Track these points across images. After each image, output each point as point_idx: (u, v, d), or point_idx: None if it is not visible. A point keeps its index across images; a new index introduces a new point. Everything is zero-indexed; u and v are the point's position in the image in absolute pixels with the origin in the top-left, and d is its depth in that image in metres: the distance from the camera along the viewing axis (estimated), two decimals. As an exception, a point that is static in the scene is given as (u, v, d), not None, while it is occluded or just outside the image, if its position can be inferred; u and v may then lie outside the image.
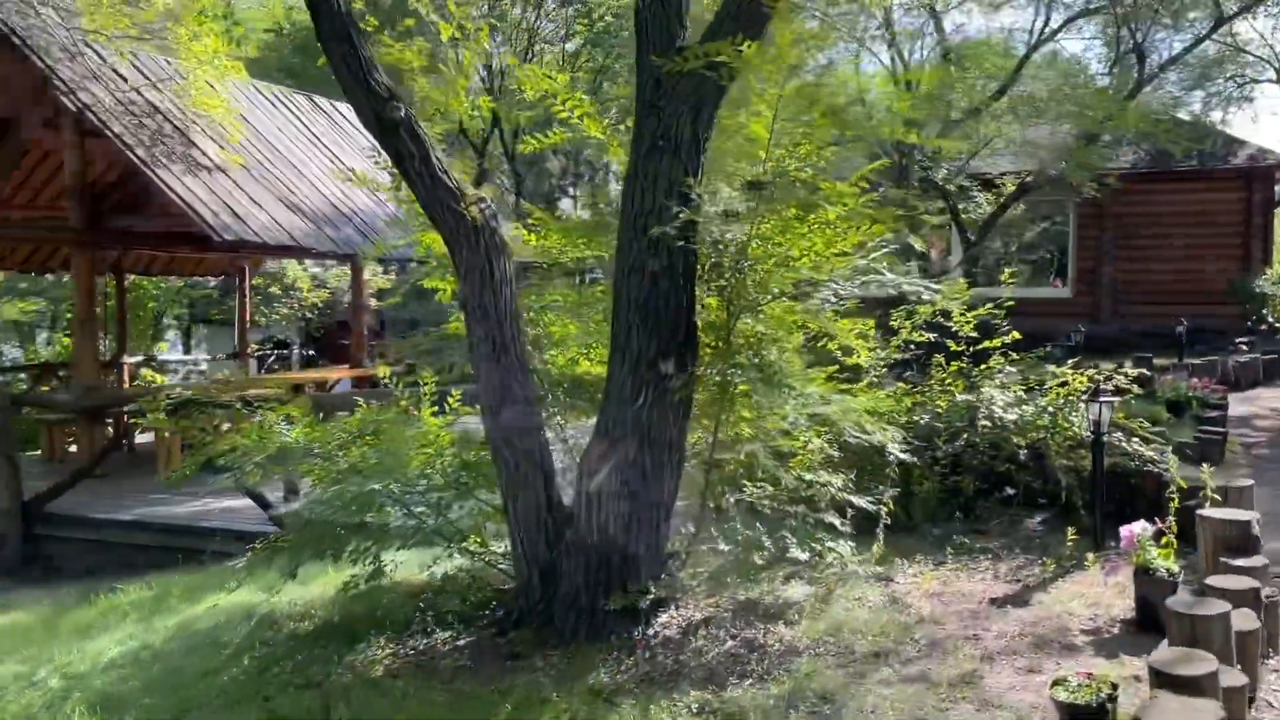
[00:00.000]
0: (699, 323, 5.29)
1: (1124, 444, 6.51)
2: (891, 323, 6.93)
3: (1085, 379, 6.78)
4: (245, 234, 10.14)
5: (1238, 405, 12.73)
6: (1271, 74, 20.74)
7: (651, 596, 4.81)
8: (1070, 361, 12.91)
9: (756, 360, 5.01)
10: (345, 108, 16.54)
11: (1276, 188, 19.56)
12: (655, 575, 5.00)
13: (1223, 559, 5.07)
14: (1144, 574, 4.93)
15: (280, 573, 5.16)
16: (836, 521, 5.19)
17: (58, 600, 8.04)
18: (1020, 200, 16.87)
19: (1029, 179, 16.10)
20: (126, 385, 13.71)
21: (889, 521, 5.93)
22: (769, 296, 5.08)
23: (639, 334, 5.09)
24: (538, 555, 5.02)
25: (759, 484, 5.62)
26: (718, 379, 4.91)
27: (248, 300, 15.46)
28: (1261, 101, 48.02)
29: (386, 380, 7.18)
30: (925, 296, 5.29)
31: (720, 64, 4.84)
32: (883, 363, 6.87)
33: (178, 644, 5.58)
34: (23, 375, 14.55)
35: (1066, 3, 16.94)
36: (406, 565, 5.68)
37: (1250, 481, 5.91)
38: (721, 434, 5.44)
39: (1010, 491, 6.83)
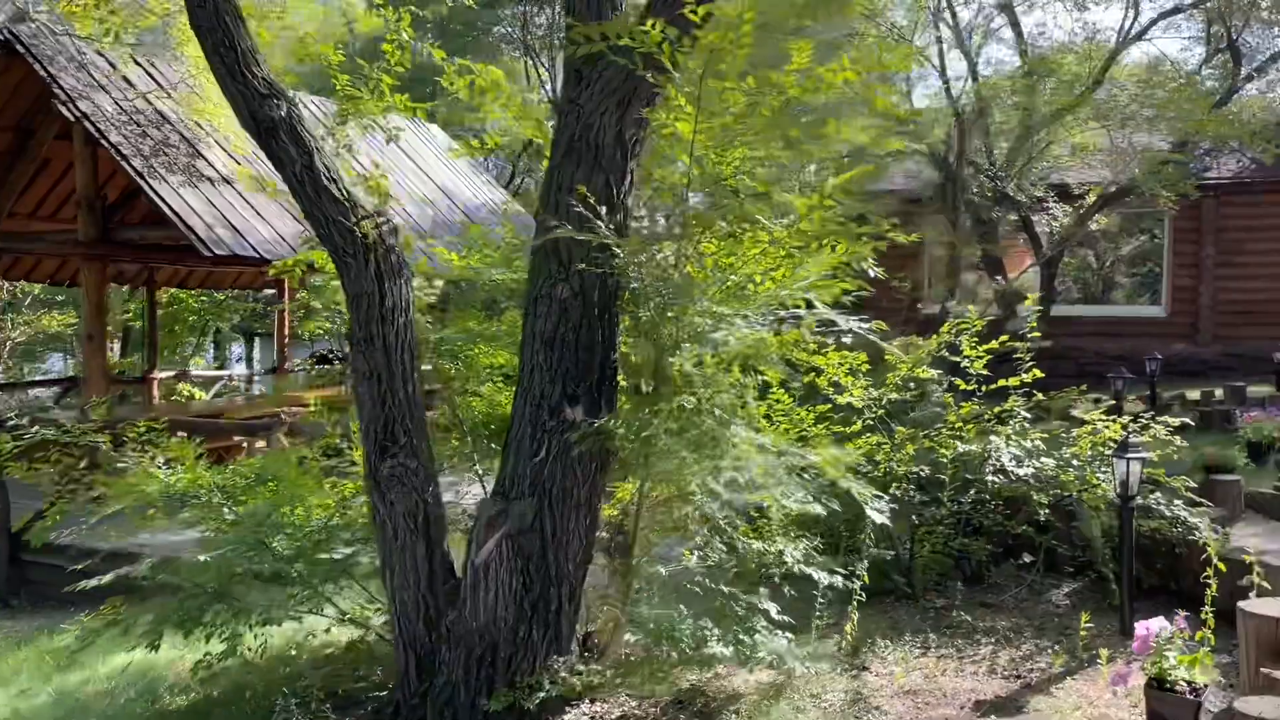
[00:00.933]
0: (622, 361, 4.46)
1: (1162, 507, 5.39)
2: (886, 356, 5.96)
3: (1119, 427, 5.67)
4: (240, 248, 9.66)
5: (1342, 444, 11.20)
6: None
7: (544, 694, 3.98)
8: (1134, 395, 11.66)
9: (669, 409, 4.13)
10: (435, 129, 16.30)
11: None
12: (556, 666, 4.17)
13: (1264, 669, 3.99)
14: (1159, 687, 3.88)
15: (144, 640, 4.51)
16: (771, 607, 4.27)
17: (15, 635, 7.66)
18: (1101, 213, 15.43)
19: (1112, 189, 14.67)
20: (156, 400, 13.52)
21: (862, 596, 4.95)
22: (689, 332, 4.20)
23: (542, 374, 4.28)
24: (415, 639, 4.23)
25: (711, 550, 4.75)
26: (629, 430, 4.06)
27: (286, 313, 15.14)
28: None
29: (315, 411, 6.58)
30: (845, 339, 4.32)
31: (647, 54, 4.03)
32: (878, 403, 5.89)
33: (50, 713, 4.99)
34: (52, 389, 14.52)
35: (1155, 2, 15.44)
36: (297, 631, 4.97)
37: (1317, 562, 4.76)
38: (658, 492, 4.60)
39: (1028, 559, 5.78)
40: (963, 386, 5.94)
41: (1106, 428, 5.74)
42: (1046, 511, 5.64)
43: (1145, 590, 5.60)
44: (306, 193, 4.49)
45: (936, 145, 14.90)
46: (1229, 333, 17.85)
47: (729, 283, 4.62)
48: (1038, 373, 5.86)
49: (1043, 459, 5.68)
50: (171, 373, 15.07)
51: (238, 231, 9.93)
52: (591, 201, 4.27)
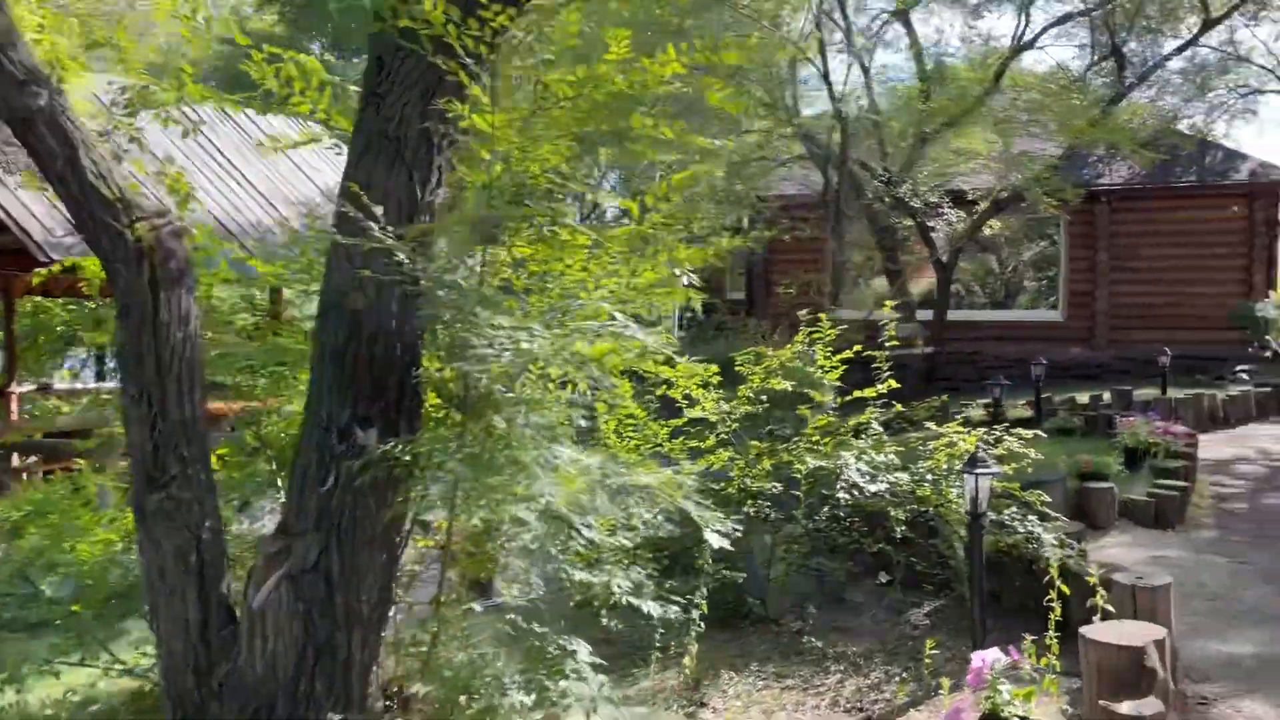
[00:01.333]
0: (430, 379, 4.05)
1: (1016, 523, 5.17)
2: (737, 368, 5.66)
3: (974, 440, 5.44)
4: (87, 252, 9.00)
5: (1222, 446, 11.29)
6: (1276, 84, 19.20)
7: (322, 755, 3.55)
8: (1025, 400, 11.62)
9: (476, 430, 3.74)
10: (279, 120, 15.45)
11: (1282, 205, 18.01)
12: (345, 721, 3.73)
13: (1103, 701, 3.75)
14: (992, 725, 3.62)
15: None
16: (583, 648, 3.89)
17: None
18: (996, 218, 15.51)
19: (1003, 195, 14.72)
20: (15, 417, 12.64)
21: (700, 626, 4.62)
22: (497, 345, 3.81)
23: (332, 393, 3.84)
24: (184, 694, 3.76)
25: (528, 585, 4.36)
26: (421, 456, 3.65)
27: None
28: (1266, 113, 45.79)
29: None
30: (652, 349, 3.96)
31: (437, 38, 3.65)
32: (730, 416, 5.58)
33: None
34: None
35: (1047, 9, 15.57)
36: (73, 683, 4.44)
37: (1168, 579, 4.56)
38: (464, 522, 4.19)
39: (884, 578, 5.52)
40: (819, 398, 5.66)
41: (962, 440, 5.51)
42: (904, 527, 5.38)
43: (1006, 609, 5.37)
44: (71, 192, 3.97)
45: (832, 150, 14.77)
46: (1123, 336, 18.13)
47: (552, 292, 4.27)
48: (893, 383, 5.61)
49: (897, 474, 5.42)
50: (32, 386, 14.17)
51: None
52: (394, 201, 3.88)
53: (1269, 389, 13.11)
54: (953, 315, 19.51)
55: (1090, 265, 18.35)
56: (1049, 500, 5.31)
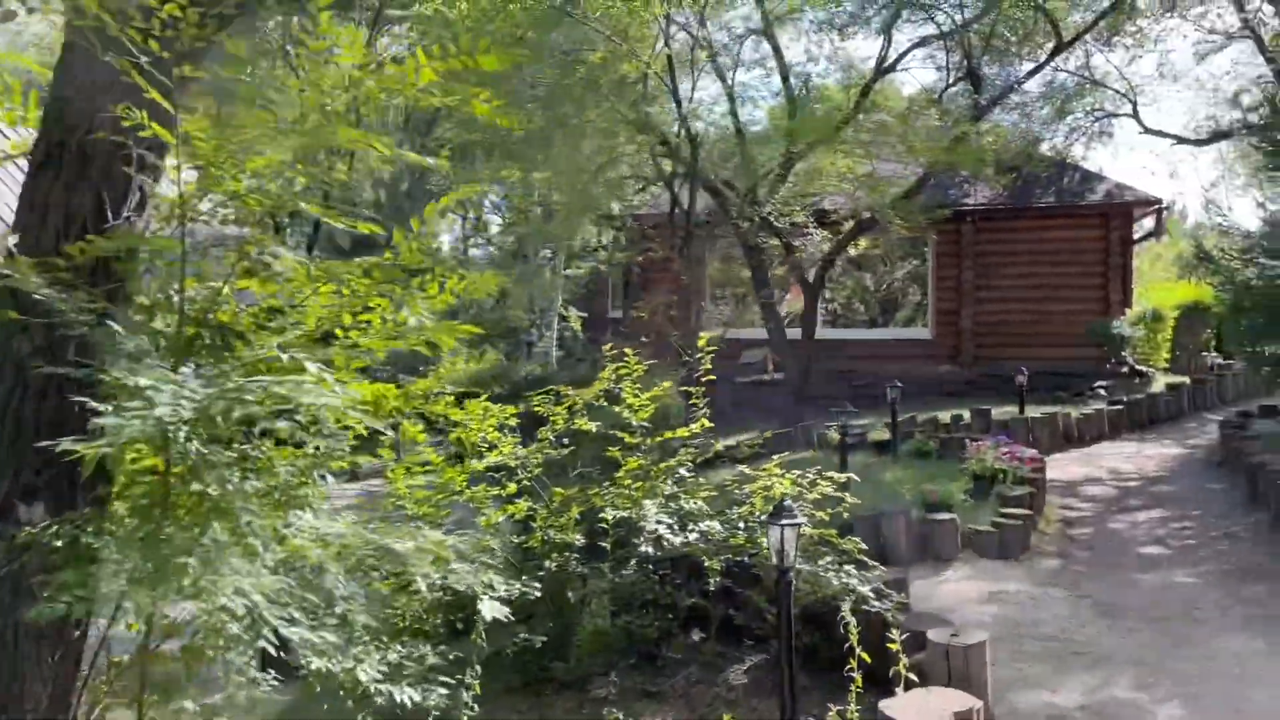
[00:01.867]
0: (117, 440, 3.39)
1: (831, 574, 4.74)
2: (535, 408, 5.14)
3: (789, 482, 5.03)
4: None
5: (1074, 466, 11.29)
6: (1129, 107, 19.75)
7: None
8: (887, 421, 11.48)
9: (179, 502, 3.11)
10: None
11: (1135, 225, 18.48)
12: None
13: (898, 793, 3.32)
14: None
15: None
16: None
17: None
18: (861, 238, 15.44)
19: (865, 216, 14.62)
20: None
21: (474, 709, 4.05)
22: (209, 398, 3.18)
23: (-10, 459, 3.17)
24: None
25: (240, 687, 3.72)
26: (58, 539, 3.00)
27: None
28: (1121, 136, 47.87)
29: None
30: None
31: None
32: (534, 462, 5.05)
33: None
34: None
35: (909, 32, 15.62)
36: None
37: (982, 636, 4.20)
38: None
39: (697, 636, 5.05)
40: (629, 440, 5.16)
41: (778, 483, 5.08)
42: (721, 578, 4.92)
43: (824, 663, 4.94)
44: None
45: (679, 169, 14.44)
46: (988, 354, 18.30)
47: (295, 333, 3.66)
48: (706, 422, 5.16)
49: (709, 522, 4.96)
50: None
51: None
52: (78, 226, 3.24)
53: (1121, 406, 13.25)
54: (826, 334, 19.48)
55: (956, 284, 18.50)
56: (865, 549, 4.89)
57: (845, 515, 5.09)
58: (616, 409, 5.09)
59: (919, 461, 10.24)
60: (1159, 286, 23.03)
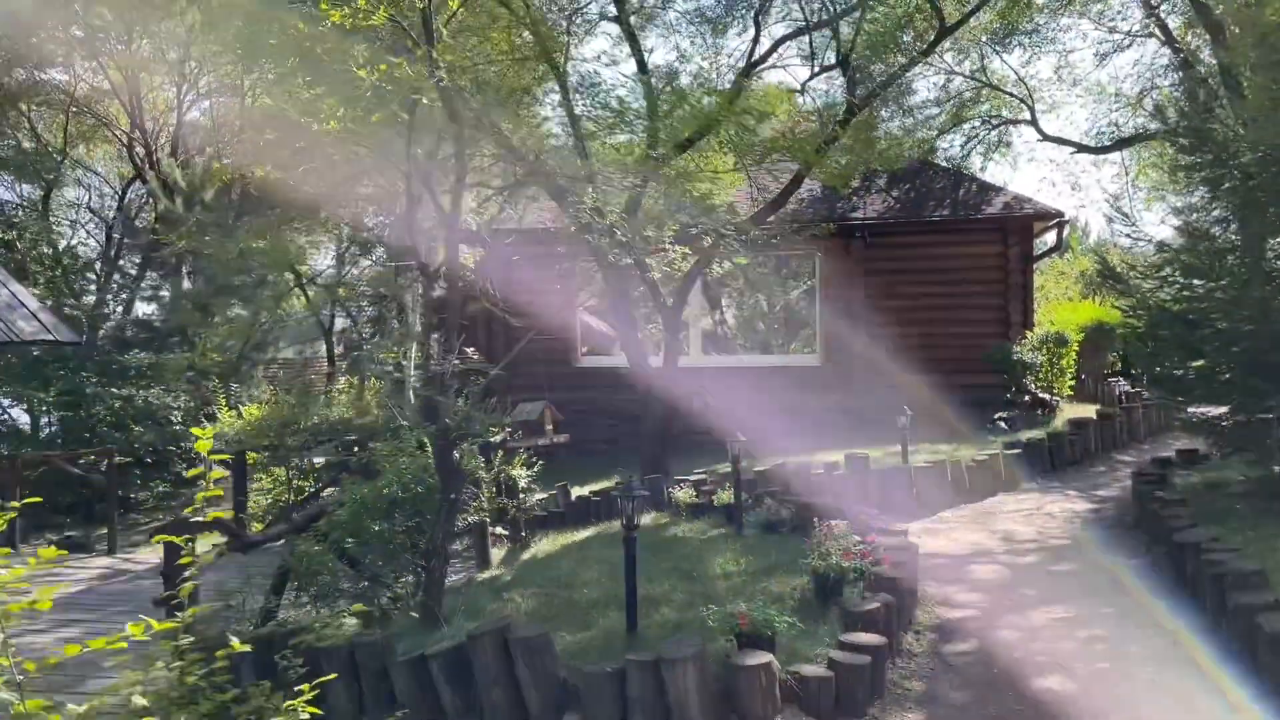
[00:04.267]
0: None
1: None
2: None
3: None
4: None
5: (961, 530, 9.03)
6: (1027, 114, 17.87)
7: None
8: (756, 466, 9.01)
9: None
10: None
11: (1036, 240, 16.53)
12: None
13: None
14: None
15: None
16: None
17: None
18: (716, 256, 13.10)
19: (725, 233, 12.26)
20: None
21: None
22: None
23: None
24: None
25: None
26: None
27: None
28: (1021, 147, 46.55)
29: None
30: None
31: None
32: None
33: None
34: None
35: (778, 26, 13.39)
36: None
37: None
38: None
39: None
40: None
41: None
42: None
43: None
44: None
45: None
46: (881, 381, 16.14)
47: None
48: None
49: None
50: None
51: None
52: None
53: (1019, 450, 11.06)
54: (701, 362, 17.17)
55: (846, 305, 16.33)
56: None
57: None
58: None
59: (768, 538, 7.86)
60: (1062, 306, 21.22)
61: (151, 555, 12.12)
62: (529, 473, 10.08)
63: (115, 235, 20.31)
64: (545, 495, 10.77)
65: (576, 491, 11.44)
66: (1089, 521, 9.17)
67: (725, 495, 8.98)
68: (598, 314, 18.70)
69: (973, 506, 9.96)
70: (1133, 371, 18.10)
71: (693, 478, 10.19)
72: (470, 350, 10.85)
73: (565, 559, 8.30)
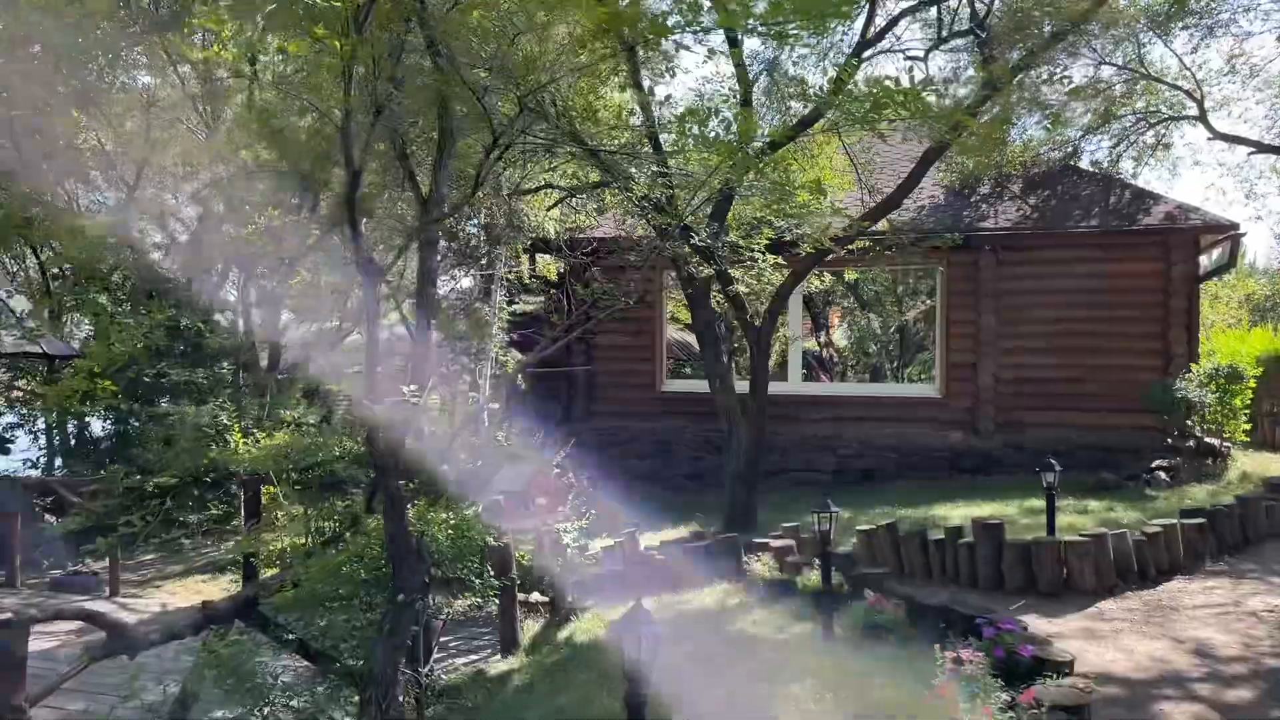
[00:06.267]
0: None
1: None
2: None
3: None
4: None
5: (1132, 636, 6.62)
6: (1193, 109, 15.01)
7: None
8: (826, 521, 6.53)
9: None
10: None
11: (1202, 258, 13.70)
12: None
13: None
14: None
15: None
16: None
17: None
18: (814, 269, 10.93)
19: (832, 239, 10.11)
20: None
21: None
22: None
23: None
24: None
25: None
26: None
27: None
28: (1181, 150, 41.89)
29: None
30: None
31: None
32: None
33: None
34: None
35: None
36: None
37: None
38: None
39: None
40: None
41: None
42: None
43: None
44: None
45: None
46: (1013, 419, 13.71)
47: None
48: None
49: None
50: None
51: None
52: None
53: (1201, 520, 8.48)
54: (799, 389, 14.97)
55: (974, 330, 13.89)
56: None
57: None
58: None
59: (870, 646, 5.70)
60: (1225, 335, 18.08)
61: (167, 596, 10.72)
62: (575, 525, 8.18)
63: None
64: (608, 543, 8.81)
65: (647, 541, 9.46)
66: (1314, 629, 6.66)
67: (813, 578, 6.84)
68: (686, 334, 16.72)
69: (1142, 597, 7.51)
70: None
71: (777, 543, 8.05)
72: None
73: (612, 645, 6.29)
